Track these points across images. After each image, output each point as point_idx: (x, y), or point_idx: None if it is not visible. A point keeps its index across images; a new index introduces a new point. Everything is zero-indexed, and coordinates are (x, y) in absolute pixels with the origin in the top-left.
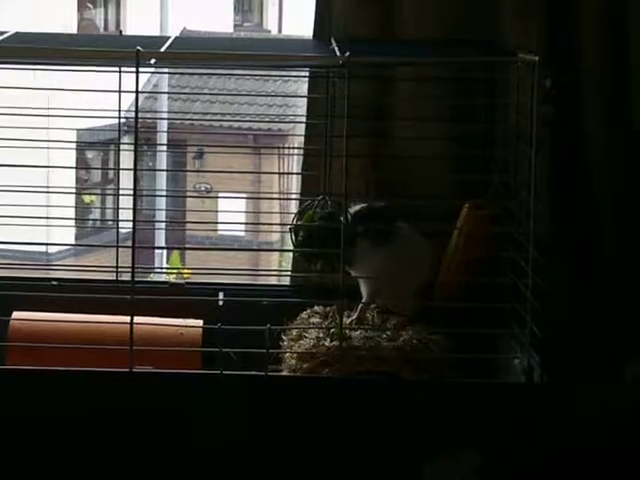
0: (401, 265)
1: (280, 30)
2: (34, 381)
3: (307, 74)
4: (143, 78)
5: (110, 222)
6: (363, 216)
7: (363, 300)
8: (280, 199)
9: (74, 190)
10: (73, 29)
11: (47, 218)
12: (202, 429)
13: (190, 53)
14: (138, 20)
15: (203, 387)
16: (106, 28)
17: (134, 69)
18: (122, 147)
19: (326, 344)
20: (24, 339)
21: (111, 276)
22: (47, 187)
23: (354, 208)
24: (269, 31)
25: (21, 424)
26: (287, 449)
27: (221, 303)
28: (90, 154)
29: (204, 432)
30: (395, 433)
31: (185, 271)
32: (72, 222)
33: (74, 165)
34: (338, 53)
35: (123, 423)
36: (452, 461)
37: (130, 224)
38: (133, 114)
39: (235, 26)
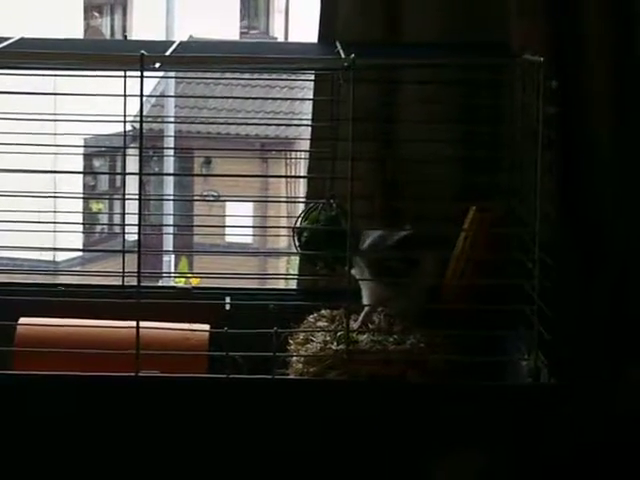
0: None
1: (286, 37)
2: (40, 386)
3: (312, 78)
4: (150, 86)
5: (117, 228)
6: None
7: (364, 303)
8: (286, 202)
9: (81, 196)
10: (79, 37)
11: (55, 223)
12: (208, 433)
13: (195, 57)
14: (144, 28)
15: (209, 391)
16: (112, 36)
17: (139, 73)
18: (128, 153)
19: (333, 348)
20: (30, 344)
21: (118, 282)
22: (55, 193)
23: (368, 239)
24: (275, 38)
25: (27, 429)
26: (293, 452)
27: (228, 307)
28: (97, 162)
29: (210, 436)
30: (402, 436)
31: (193, 279)
32: (80, 228)
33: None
34: (343, 56)
35: (129, 427)
36: (458, 463)
37: (137, 230)
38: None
39: (241, 33)
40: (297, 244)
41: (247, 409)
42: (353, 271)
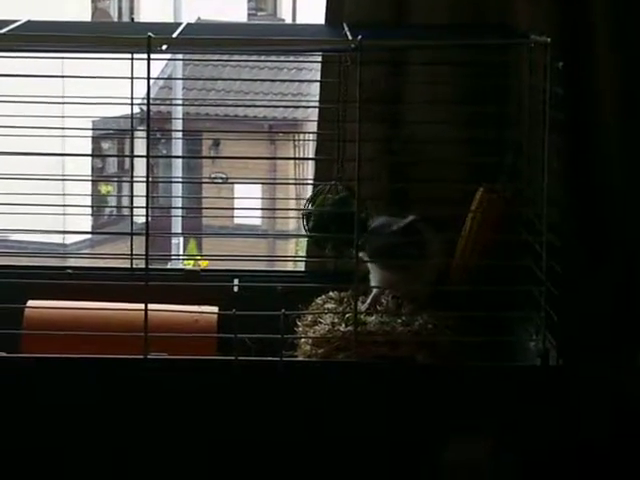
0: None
1: (294, 19)
2: (49, 368)
3: (320, 59)
4: (157, 68)
5: (125, 210)
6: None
7: (372, 285)
8: (294, 184)
9: (89, 179)
10: (87, 19)
11: (63, 206)
12: (217, 415)
13: (202, 39)
14: (152, 10)
15: (218, 373)
16: (120, 18)
17: (146, 56)
18: (136, 136)
19: (341, 329)
20: (39, 327)
21: (126, 264)
22: (63, 175)
23: (374, 222)
24: (283, 20)
25: (35, 412)
26: (302, 435)
27: (236, 289)
28: (105, 144)
29: (219, 419)
30: (410, 417)
31: (202, 261)
32: (88, 211)
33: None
34: (350, 37)
35: (138, 410)
36: (467, 444)
37: (145, 212)
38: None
39: (249, 15)
40: (305, 227)
41: (255, 391)
42: (361, 254)
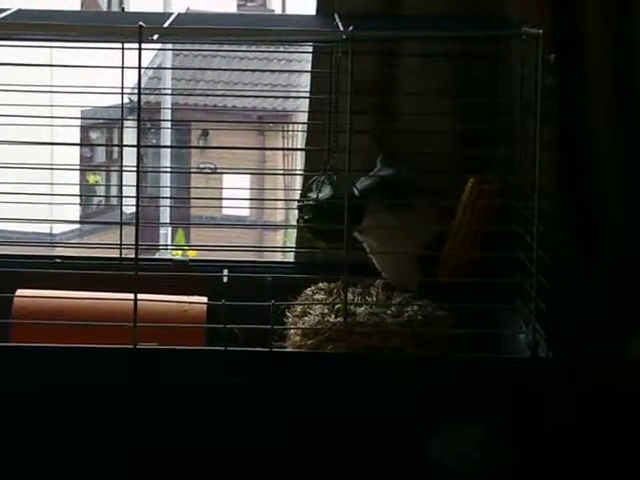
0: (405, 233)
1: (284, 10)
2: (37, 358)
3: (311, 50)
4: (147, 59)
5: (114, 200)
6: (374, 189)
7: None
8: (283, 174)
9: (78, 168)
10: (76, 9)
11: (51, 195)
12: (206, 406)
13: (193, 29)
14: (142, 0)
15: (207, 364)
16: (109, 8)
17: (137, 45)
18: (126, 125)
19: (330, 320)
20: (28, 316)
21: (115, 254)
22: (51, 165)
23: (363, 181)
24: (273, 11)
25: (24, 401)
26: (291, 425)
27: (225, 280)
28: (94, 134)
29: (208, 409)
30: (400, 408)
31: (190, 251)
32: (77, 201)
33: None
34: (342, 28)
35: (127, 400)
36: (456, 436)
37: (134, 202)
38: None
39: (239, 6)
40: (301, 218)
41: (244, 381)
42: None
